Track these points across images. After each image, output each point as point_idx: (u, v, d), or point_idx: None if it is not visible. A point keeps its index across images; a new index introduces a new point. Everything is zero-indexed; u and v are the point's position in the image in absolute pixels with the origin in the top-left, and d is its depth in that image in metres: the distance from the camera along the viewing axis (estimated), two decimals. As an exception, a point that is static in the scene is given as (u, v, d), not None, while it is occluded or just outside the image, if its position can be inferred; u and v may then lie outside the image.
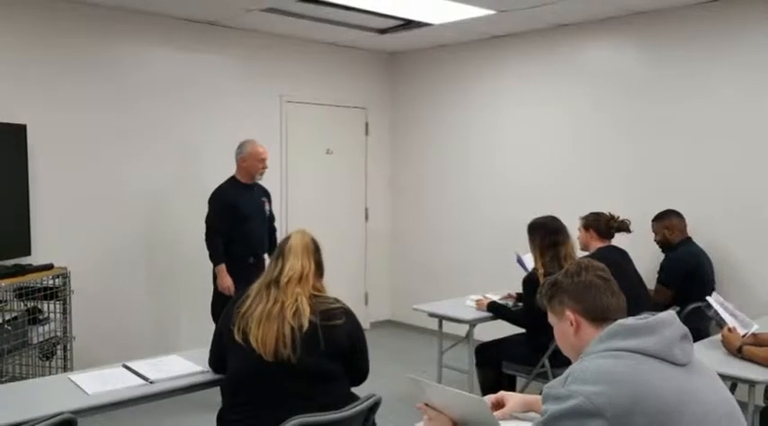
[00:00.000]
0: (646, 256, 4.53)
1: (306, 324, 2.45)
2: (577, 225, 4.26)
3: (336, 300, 2.60)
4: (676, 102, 4.84)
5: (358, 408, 2.29)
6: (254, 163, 4.65)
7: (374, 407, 2.36)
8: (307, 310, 2.48)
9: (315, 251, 2.66)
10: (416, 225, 6.67)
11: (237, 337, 2.48)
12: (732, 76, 4.58)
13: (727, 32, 4.58)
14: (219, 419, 2.63)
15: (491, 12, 4.94)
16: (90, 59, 4.85)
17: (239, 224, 4.53)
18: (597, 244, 4.17)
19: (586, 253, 4.13)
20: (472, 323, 4.21)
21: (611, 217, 4.22)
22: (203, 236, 4.60)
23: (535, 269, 3.84)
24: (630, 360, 1.55)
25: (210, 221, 4.54)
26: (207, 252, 4.57)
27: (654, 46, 4.95)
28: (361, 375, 2.66)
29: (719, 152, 4.65)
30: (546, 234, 3.83)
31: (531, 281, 3.77)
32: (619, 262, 3.93)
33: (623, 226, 4.22)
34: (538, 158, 5.66)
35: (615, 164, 5.18)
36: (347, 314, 2.58)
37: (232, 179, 4.67)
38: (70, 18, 4.74)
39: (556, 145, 5.55)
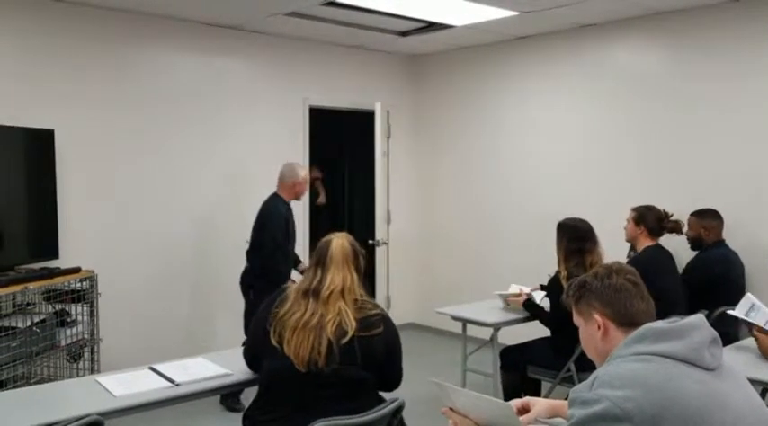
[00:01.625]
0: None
1: (346, 339, 2.41)
2: (605, 225, 4.17)
3: (375, 306, 2.57)
4: (703, 102, 4.77)
5: (381, 412, 2.29)
6: (304, 187, 4.74)
7: (397, 411, 2.36)
8: (352, 323, 2.43)
9: (355, 258, 2.60)
10: (441, 227, 6.66)
11: (273, 340, 2.47)
12: (758, 76, 4.50)
13: (752, 32, 4.51)
14: (246, 417, 2.63)
15: (514, 13, 4.92)
16: (116, 64, 4.91)
17: (287, 243, 4.55)
18: (646, 242, 4.06)
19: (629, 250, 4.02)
20: (496, 327, 4.17)
21: (665, 215, 4.09)
22: (227, 241, 4.61)
23: (558, 271, 3.80)
24: (659, 365, 1.52)
25: (277, 240, 4.43)
26: (234, 254, 4.57)
27: (678, 46, 4.89)
28: (393, 382, 2.64)
29: (748, 153, 4.58)
30: (573, 238, 3.77)
31: (555, 283, 3.74)
32: (665, 265, 3.87)
33: (676, 227, 4.10)
34: (564, 160, 5.61)
35: (641, 163, 5.12)
36: (385, 321, 2.54)
37: (277, 196, 4.63)
38: (96, 23, 4.80)
39: (580, 146, 5.50)
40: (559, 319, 3.57)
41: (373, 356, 2.47)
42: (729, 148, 4.66)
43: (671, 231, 4.12)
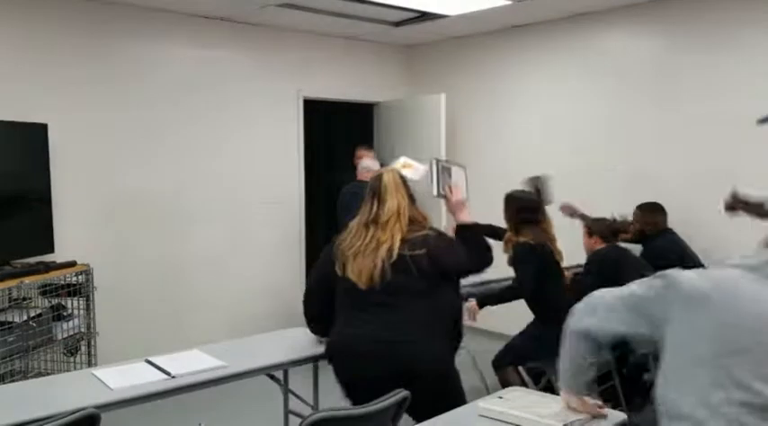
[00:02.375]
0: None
1: (395, 256, 2.70)
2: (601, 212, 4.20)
3: (424, 227, 2.82)
4: (698, 89, 4.78)
5: (386, 403, 2.29)
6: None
7: (403, 402, 2.37)
8: (397, 245, 2.72)
9: (404, 185, 2.89)
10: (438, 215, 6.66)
11: (338, 269, 2.78)
12: (753, 63, 4.51)
13: (748, 19, 4.51)
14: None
15: (507, 2, 4.91)
16: (108, 57, 4.89)
17: None
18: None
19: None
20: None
21: (614, 221, 4.27)
22: (222, 233, 4.62)
23: (524, 241, 3.82)
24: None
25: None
26: (228, 246, 4.59)
27: (674, 33, 4.90)
28: (471, 271, 2.97)
29: (737, 139, 4.59)
30: (523, 208, 3.86)
31: (526, 252, 3.73)
32: (618, 261, 4.02)
33: (625, 227, 4.29)
34: (558, 148, 5.62)
35: (638, 151, 5.13)
36: (427, 241, 2.76)
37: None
38: (88, 16, 4.79)
39: (575, 134, 5.51)
40: (535, 289, 3.64)
41: (424, 270, 2.72)
42: (721, 135, 4.67)
43: (623, 232, 4.28)
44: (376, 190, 2.86)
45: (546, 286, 3.78)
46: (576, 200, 4.71)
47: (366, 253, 2.74)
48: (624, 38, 5.20)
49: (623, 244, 4.32)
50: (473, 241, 2.92)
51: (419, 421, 2.37)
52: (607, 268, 3.98)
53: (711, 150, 4.75)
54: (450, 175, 3.15)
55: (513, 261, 3.91)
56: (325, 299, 2.88)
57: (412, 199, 2.89)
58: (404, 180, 2.93)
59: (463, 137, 6.31)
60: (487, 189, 6.13)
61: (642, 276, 3.74)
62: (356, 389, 2.76)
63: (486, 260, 2.93)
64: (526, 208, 3.92)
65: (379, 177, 2.91)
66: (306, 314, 3.09)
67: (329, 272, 2.83)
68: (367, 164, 5.33)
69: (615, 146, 5.27)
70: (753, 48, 4.50)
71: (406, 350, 2.65)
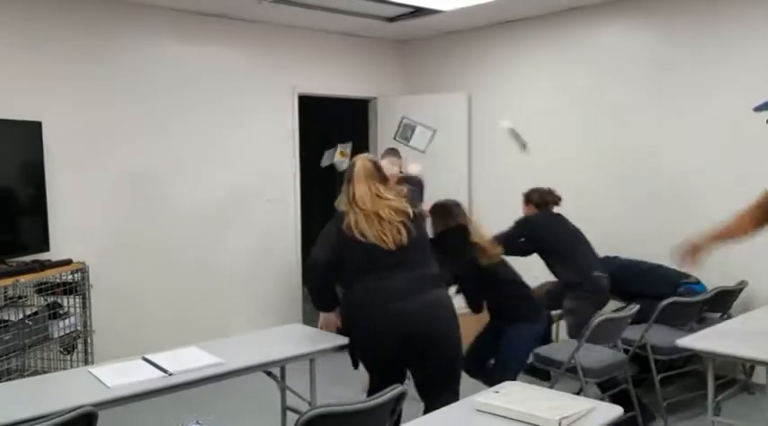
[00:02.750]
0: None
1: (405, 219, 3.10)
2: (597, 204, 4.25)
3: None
4: (689, 84, 4.79)
5: (384, 398, 2.30)
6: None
7: (400, 397, 2.38)
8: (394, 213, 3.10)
9: (377, 170, 3.21)
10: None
11: (359, 237, 3.04)
12: (745, 59, 4.52)
13: (742, 13, 4.52)
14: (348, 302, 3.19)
15: (501, -3, 4.91)
16: (102, 54, 4.88)
17: None
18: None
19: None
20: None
21: (549, 191, 4.68)
22: (218, 230, 4.61)
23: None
24: None
25: None
26: (224, 243, 4.59)
27: (666, 28, 4.90)
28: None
29: (736, 133, 4.60)
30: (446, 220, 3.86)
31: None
32: (550, 223, 4.58)
33: (555, 200, 4.66)
34: (552, 142, 5.62)
35: (627, 146, 5.14)
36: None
37: None
38: (82, 13, 4.77)
39: (568, 129, 5.51)
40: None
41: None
42: (712, 128, 4.69)
43: (554, 204, 4.63)
44: (350, 176, 3.20)
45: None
46: (568, 193, 4.72)
47: (376, 223, 3.06)
48: (617, 32, 5.20)
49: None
50: None
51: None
52: (535, 231, 4.58)
53: (706, 143, 4.76)
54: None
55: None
56: (335, 270, 3.13)
57: (384, 180, 3.21)
58: (377, 165, 3.24)
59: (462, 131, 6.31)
60: (481, 182, 6.17)
61: (573, 238, 4.41)
62: (385, 341, 3.03)
63: None
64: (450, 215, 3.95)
65: (352, 164, 3.24)
66: (316, 284, 3.27)
67: (340, 243, 3.08)
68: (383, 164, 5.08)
69: (607, 139, 5.28)
70: (747, 42, 4.50)
71: (428, 297, 3.05)
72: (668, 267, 4.62)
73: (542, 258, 4.57)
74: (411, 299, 3.00)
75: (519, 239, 4.56)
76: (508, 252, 4.06)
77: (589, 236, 4.66)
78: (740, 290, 4.39)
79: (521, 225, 4.60)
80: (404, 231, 3.06)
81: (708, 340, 3.31)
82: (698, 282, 4.61)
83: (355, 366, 3.29)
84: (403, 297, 2.99)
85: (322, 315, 3.42)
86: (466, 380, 4.41)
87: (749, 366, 4.20)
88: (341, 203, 3.20)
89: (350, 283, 3.14)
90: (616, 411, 2.36)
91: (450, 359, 3.13)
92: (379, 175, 3.20)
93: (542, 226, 4.62)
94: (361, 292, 3.08)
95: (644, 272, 4.77)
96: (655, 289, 4.43)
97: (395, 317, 2.97)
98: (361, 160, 3.23)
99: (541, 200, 4.66)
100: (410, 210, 3.12)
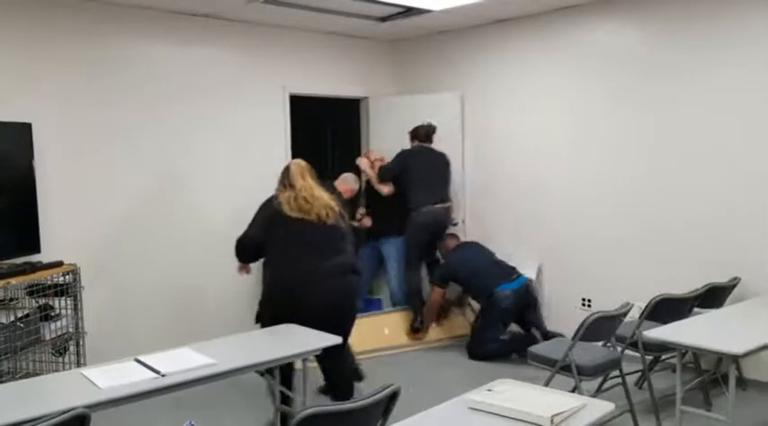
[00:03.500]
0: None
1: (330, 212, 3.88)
2: (589, 199, 4.26)
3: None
4: (681, 83, 4.81)
5: (376, 398, 2.31)
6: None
7: (393, 396, 2.38)
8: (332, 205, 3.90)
9: (309, 169, 3.96)
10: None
11: (293, 213, 3.79)
12: (737, 56, 4.54)
13: (731, 11, 4.54)
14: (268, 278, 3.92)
15: (491, -4, 4.92)
16: (92, 56, 4.86)
17: None
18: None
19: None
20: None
21: (429, 125, 5.86)
22: (209, 231, 4.62)
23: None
24: None
25: None
26: (216, 244, 4.60)
27: (656, 26, 4.92)
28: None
29: (724, 129, 4.63)
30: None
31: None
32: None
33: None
34: (545, 140, 5.64)
35: (621, 144, 5.16)
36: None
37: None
38: (72, 15, 4.75)
39: (559, 128, 5.53)
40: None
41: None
42: (706, 124, 4.71)
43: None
44: (287, 173, 3.94)
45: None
46: (565, 190, 4.75)
47: (307, 205, 3.80)
48: (608, 31, 5.21)
49: None
50: None
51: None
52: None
53: (697, 141, 4.79)
54: None
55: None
56: (263, 245, 3.89)
57: (314, 178, 3.92)
58: (309, 166, 3.97)
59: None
60: (475, 182, 6.18)
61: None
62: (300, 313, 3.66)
63: None
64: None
65: (286, 167, 3.99)
66: (245, 257, 4.08)
67: (273, 222, 3.81)
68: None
69: (599, 138, 5.30)
70: (738, 39, 4.52)
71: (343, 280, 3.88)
72: (505, 266, 5.40)
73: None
74: (330, 279, 3.77)
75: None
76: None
77: (578, 234, 4.68)
78: (733, 286, 4.42)
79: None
80: (330, 216, 3.82)
81: (677, 331, 3.40)
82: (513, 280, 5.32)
83: (261, 324, 4.00)
84: (322, 276, 3.73)
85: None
86: (458, 377, 4.43)
87: (717, 358, 4.23)
88: (279, 193, 3.89)
89: (274, 256, 3.87)
90: (608, 407, 2.37)
91: (350, 321, 4.00)
92: (312, 172, 3.94)
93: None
94: (284, 266, 3.81)
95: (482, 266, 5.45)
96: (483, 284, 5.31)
97: (314, 291, 3.71)
98: (294, 162, 4.00)
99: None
100: (336, 206, 3.88)
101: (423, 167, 5.80)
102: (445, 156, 5.95)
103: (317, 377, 4.25)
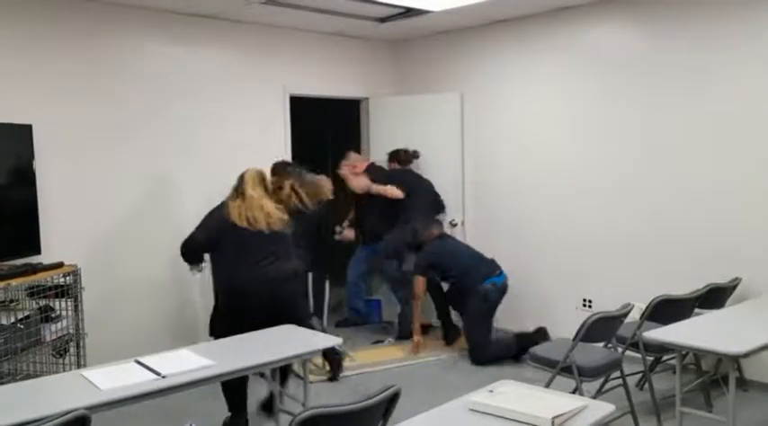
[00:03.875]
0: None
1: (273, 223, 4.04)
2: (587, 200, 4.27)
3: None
4: (679, 83, 4.81)
5: (376, 399, 2.31)
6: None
7: (394, 398, 2.38)
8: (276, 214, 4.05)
9: (261, 179, 4.13)
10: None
11: (241, 222, 3.93)
12: (734, 57, 4.54)
13: (728, 13, 4.54)
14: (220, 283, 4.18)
15: (491, -3, 4.92)
16: (92, 57, 4.86)
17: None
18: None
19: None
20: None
21: (409, 151, 6.15)
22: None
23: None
24: None
25: None
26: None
27: (655, 27, 4.92)
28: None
29: (724, 130, 4.63)
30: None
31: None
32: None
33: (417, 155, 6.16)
34: (542, 141, 5.64)
35: (621, 144, 5.16)
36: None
37: None
38: (72, 16, 4.75)
39: (560, 128, 5.53)
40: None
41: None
42: (706, 125, 4.71)
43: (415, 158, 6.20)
44: (241, 182, 4.09)
45: None
46: (564, 191, 4.75)
47: (258, 215, 3.97)
48: (608, 31, 5.22)
49: None
50: None
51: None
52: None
53: (698, 144, 4.78)
54: None
55: None
56: (206, 248, 4.12)
57: (267, 190, 4.12)
58: (262, 175, 4.14)
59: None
60: (476, 183, 6.19)
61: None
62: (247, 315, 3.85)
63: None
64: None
65: (241, 175, 4.13)
66: (189, 257, 4.20)
67: (219, 231, 3.98)
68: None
69: (597, 138, 5.30)
70: (737, 41, 4.52)
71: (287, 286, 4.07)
72: (488, 260, 5.43)
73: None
74: (275, 284, 3.95)
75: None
76: None
77: (578, 235, 4.68)
78: (734, 287, 4.41)
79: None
80: (276, 225, 4.00)
81: (678, 332, 3.40)
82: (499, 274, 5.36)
83: (215, 335, 4.09)
84: (268, 282, 3.92)
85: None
86: (459, 379, 4.43)
87: (718, 359, 4.23)
88: (230, 201, 4.05)
89: (223, 264, 4.05)
90: (609, 408, 2.37)
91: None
92: (263, 183, 4.12)
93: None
94: (233, 273, 3.97)
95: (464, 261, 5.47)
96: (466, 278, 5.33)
97: (262, 296, 3.90)
98: (250, 171, 4.14)
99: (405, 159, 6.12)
100: (284, 216, 4.06)
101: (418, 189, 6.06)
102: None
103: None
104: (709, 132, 4.69)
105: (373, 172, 6.03)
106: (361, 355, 5.38)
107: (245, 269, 3.94)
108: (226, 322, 3.97)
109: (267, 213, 3.99)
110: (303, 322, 4.01)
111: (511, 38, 5.81)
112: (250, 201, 3.98)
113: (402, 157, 6.12)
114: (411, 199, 5.88)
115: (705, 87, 4.68)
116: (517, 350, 5.15)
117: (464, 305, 5.37)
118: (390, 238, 5.87)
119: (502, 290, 5.33)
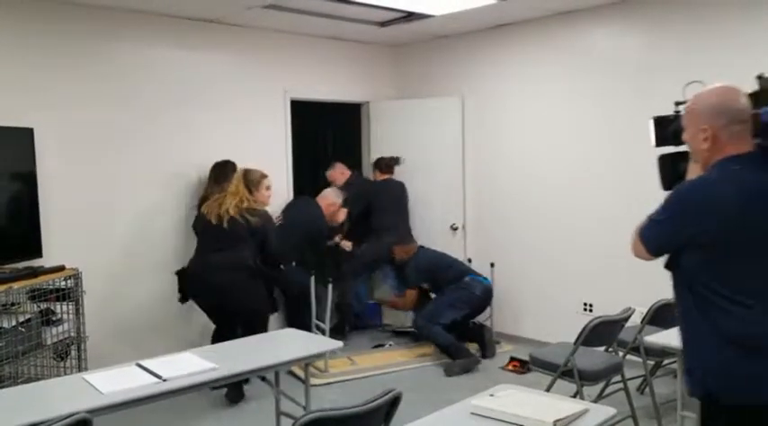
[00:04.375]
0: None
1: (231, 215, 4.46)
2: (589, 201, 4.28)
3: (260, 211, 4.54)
4: (679, 87, 4.80)
5: (378, 402, 2.31)
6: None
7: (395, 402, 2.38)
8: (232, 210, 4.46)
9: (245, 177, 4.56)
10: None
11: (205, 212, 4.57)
12: (735, 62, 4.55)
13: (730, 15, 4.55)
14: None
15: (492, 1, 4.93)
16: (94, 61, 4.87)
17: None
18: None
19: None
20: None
21: (391, 158, 6.24)
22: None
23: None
24: None
25: None
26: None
27: (655, 31, 4.93)
28: (267, 248, 4.58)
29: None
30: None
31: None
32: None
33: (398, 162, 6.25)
34: (543, 145, 5.65)
35: (623, 148, 5.16)
36: (264, 215, 4.56)
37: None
38: (74, 20, 4.76)
39: (560, 132, 5.54)
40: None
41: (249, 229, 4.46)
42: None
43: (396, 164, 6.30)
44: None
45: None
46: (565, 194, 4.75)
47: (216, 208, 4.48)
48: (608, 35, 5.23)
49: None
50: None
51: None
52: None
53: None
54: None
55: None
56: None
57: (249, 189, 4.52)
58: (245, 173, 4.58)
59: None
60: (476, 183, 6.20)
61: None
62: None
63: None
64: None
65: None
66: None
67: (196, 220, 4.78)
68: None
69: (599, 142, 5.30)
70: (737, 45, 4.53)
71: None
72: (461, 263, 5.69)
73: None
74: (222, 272, 4.38)
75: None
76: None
77: (579, 238, 4.67)
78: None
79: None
80: (230, 218, 4.39)
81: (677, 336, 3.37)
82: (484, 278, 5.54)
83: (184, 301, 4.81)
84: (219, 268, 4.38)
85: None
86: (460, 383, 4.43)
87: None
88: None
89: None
90: (610, 412, 2.37)
91: (249, 312, 4.52)
92: (245, 181, 4.53)
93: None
94: (194, 256, 4.64)
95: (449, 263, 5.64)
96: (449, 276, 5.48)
97: (212, 283, 4.43)
98: (241, 169, 4.63)
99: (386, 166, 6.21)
100: (248, 216, 4.41)
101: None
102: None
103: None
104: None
105: (351, 185, 6.13)
106: (362, 359, 5.38)
107: (198, 254, 4.62)
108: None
109: (226, 209, 4.44)
110: (254, 313, 4.49)
111: (511, 42, 5.82)
112: (221, 194, 4.59)
113: (383, 165, 6.23)
114: (378, 212, 6.10)
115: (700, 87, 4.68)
116: (450, 351, 5.18)
117: (442, 290, 5.53)
118: (360, 255, 6.01)
119: (484, 291, 5.42)
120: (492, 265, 5.77)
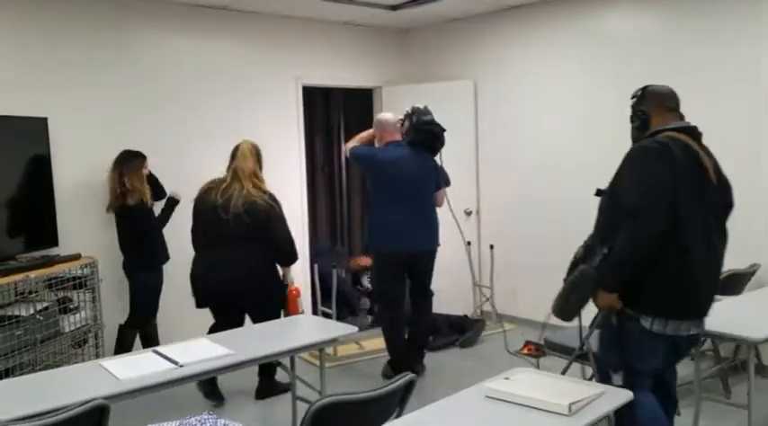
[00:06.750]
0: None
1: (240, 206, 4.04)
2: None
3: (264, 194, 4.10)
4: (696, 68, 4.75)
5: (393, 386, 2.31)
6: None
7: (410, 385, 2.38)
8: (240, 199, 4.05)
9: (256, 153, 4.22)
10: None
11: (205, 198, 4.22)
12: (755, 41, 4.48)
13: (748, 3, 4.48)
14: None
15: (504, -17, 4.88)
16: (106, 49, 4.88)
17: None
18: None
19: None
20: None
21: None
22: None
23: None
24: None
25: None
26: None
27: (672, 12, 4.85)
28: (280, 242, 4.15)
29: (738, 118, 4.57)
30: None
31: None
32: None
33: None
34: (557, 129, 5.60)
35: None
36: (268, 204, 4.08)
37: None
38: (86, 9, 4.77)
39: (576, 116, 5.49)
40: None
41: (257, 219, 4.02)
42: (721, 113, 4.65)
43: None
44: (235, 154, 4.21)
45: None
46: (578, 178, 4.71)
47: (229, 196, 4.05)
48: (623, 16, 5.15)
49: None
50: None
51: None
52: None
53: (715, 132, 4.72)
54: None
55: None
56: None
57: (260, 164, 4.20)
58: (256, 149, 4.22)
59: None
60: (489, 170, 6.16)
61: None
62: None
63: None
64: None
65: (237, 146, 4.23)
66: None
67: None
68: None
69: (612, 122, 5.24)
70: (756, 24, 4.46)
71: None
72: None
73: None
74: (236, 265, 4.03)
75: None
76: None
77: (592, 221, 4.61)
78: (752, 273, 4.37)
79: None
80: (250, 208, 4.00)
81: None
82: None
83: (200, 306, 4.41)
84: (233, 261, 4.04)
85: None
86: (474, 367, 4.42)
87: (736, 345, 4.19)
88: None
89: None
90: (626, 395, 2.36)
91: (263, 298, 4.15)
92: (257, 158, 4.20)
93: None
94: (204, 254, 4.27)
95: None
96: None
97: (225, 278, 4.07)
98: (245, 143, 4.22)
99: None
100: (263, 199, 4.04)
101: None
102: None
103: (336, 367, 4.23)
104: (726, 120, 4.62)
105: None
106: (369, 343, 5.35)
107: (211, 264, 4.27)
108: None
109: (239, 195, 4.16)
110: (268, 299, 4.13)
111: (523, 24, 5.76)
112: (240, 174, 4.22)
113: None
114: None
115: (724, 75, 4.61)
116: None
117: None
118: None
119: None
120: (492, 247, 5.93)
